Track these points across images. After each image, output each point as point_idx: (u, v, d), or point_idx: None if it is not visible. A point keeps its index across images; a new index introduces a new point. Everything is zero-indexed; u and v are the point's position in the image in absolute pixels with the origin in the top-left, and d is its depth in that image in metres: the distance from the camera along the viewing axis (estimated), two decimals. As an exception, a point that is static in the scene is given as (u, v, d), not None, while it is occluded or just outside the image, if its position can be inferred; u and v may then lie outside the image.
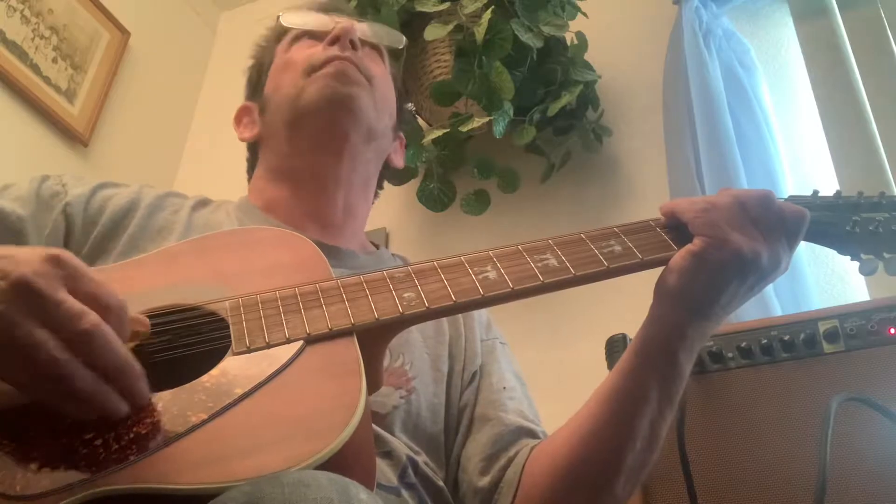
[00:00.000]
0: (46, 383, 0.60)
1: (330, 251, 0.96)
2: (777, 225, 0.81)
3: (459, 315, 1.08)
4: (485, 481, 0.96)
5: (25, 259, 0.62)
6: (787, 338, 1.17)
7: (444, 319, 1.07)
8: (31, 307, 0.59)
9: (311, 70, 1.11)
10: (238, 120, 1.23)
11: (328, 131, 1.10)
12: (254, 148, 1.22)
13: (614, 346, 1.28)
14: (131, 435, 0.61)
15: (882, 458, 1.05)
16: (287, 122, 1.12)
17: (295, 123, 1.11)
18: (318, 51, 1.13)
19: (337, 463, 0.59)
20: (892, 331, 1.12)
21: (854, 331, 1.14)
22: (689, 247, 0.79)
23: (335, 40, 1.13)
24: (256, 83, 1.23)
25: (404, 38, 1.30)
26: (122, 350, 0.62)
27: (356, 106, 1.09)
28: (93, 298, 0.63)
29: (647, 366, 0.85)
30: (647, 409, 0.86)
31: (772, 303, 1.60)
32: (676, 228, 0.83)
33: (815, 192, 0.90)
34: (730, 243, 0.77)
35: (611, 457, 0.87)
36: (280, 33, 1.23)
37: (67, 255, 0.64)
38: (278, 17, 1.22)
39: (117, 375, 0.62)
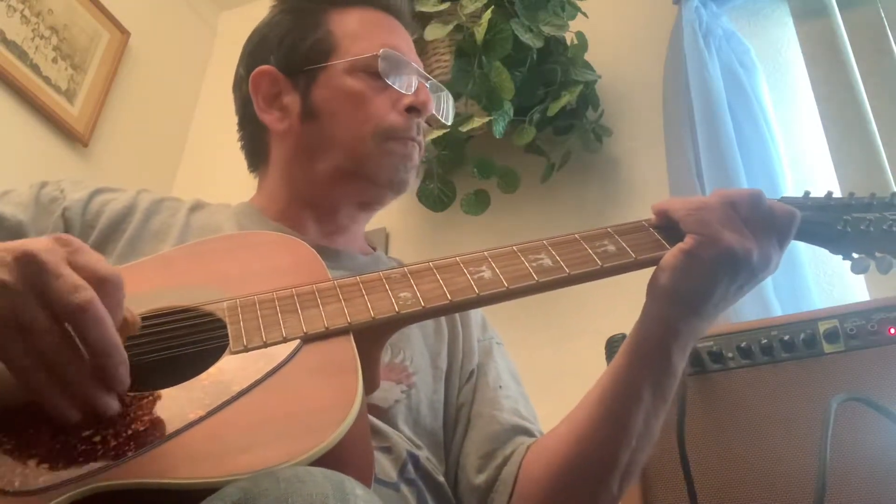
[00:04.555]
0: (40, 367, 0.60)
1: (329, 253, 0.97)
2: (767, 224, 0.82)
3: (456, 316, 1.09)
4: (481, 479, 0.97)
5: (35, 239, 0.64)
6: (787, 338, 1.17)
7: (443, 319, 1.08)
8: (34, 279, 0.61)
9: (385, 136, 1.05)
10: (258, 88, 1.10)
11: (373, 199, 1.11)
12: (265, 134, 1.13)
13: (614, 346, 1.28)
14: (129, 431, 0.61)
15: (882, 458, 1.05)
16: (335, 168, 1.06)
17: (344, 176, 1.06)
18: (395, 116, 1.06)
19: (333, 459, 0.59)
20: (892, 331, 1.12)
21: (854, 331, 1.14)
22: (680, 245, 0.80)
23: (416, 112, 1.08)
24: (297, 53, 1.09)
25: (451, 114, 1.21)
26: (111, 331, 0.62)
27: (406, 188, 1.10)
28: (90, 270, 0.63)
29: (640, 364, 0.86)
30: (641, 407, 0.86)
31: (772, 303, 1.60)
32: (669, 228, 0.84)
33: (807, 193, 0.90)
34: (721, 241, 0.78)
35: (606, 455, 0.88)
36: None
37: (71, 236, 0.66)
38: (380, 53, 1.07)
39: (102, 356, 0.61)
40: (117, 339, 0.62)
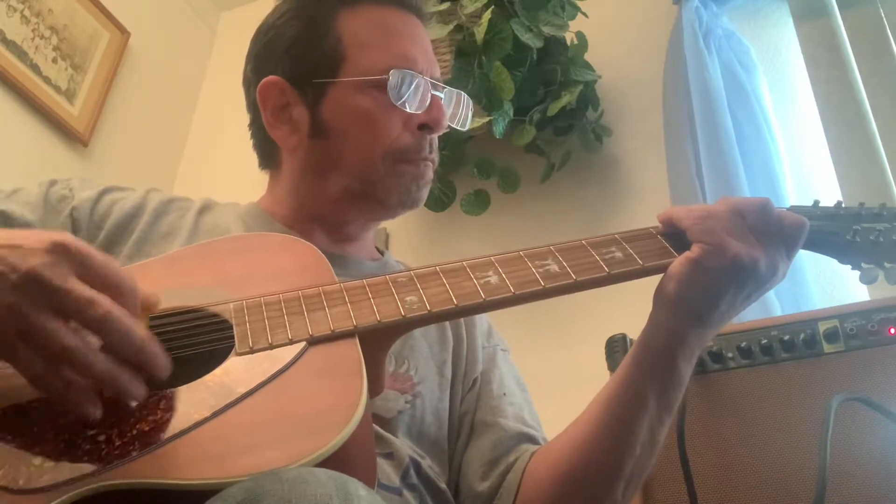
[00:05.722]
0: (62, 373, 0.61)
1: (337, 260, 0.95)
2: (775, 233, 0.81)
3: (462, 322, 1.08)
4: (484, 486, 0.96)
5: (33, 249, 0.63)
6: (787, 338, 1.17)
7: (448, 327, 1.07)
8: (43, 298, 0.60)
9: (396, 159, 1.02)
10: (266, 100, 1.05)
11: (383, 217, 1.10)
12: (275, 149, 1.10)
13: (614, 347, 1.28)
14: (134, 431, 0.62)
15: (882, 458, 1.05)
16: (344, 189, 1.03)
17: (353, 197, 1.04)
18: (407, 136, 1.03)
19: (337, 461, 0.59)
20: (892, 331, 1.13)
21: (854, 331, 1.14)
22: (687, 254, 0.80)
23: (429, 130, 1.04)
24: (305, 64, 1.04)
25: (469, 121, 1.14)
26: (139, 330, 0.63)
27: (420, 204, 1.08)
28: (102, 280, 0.64)
29: (646, 372, 0.86)
30: (645, 415, 0.86)
31: (772, 303, 1.60)
32: (676, 236, 0.84)
33: (816, 203, 0.90)
34: (728, 250, 0.78)
35: (610, 462, 0.88)
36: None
37: (72, 240, 0.65)
38: (388, 76, 1.01)
39: (138, 356, 0.62)
40: (145, 336, 0.63)
